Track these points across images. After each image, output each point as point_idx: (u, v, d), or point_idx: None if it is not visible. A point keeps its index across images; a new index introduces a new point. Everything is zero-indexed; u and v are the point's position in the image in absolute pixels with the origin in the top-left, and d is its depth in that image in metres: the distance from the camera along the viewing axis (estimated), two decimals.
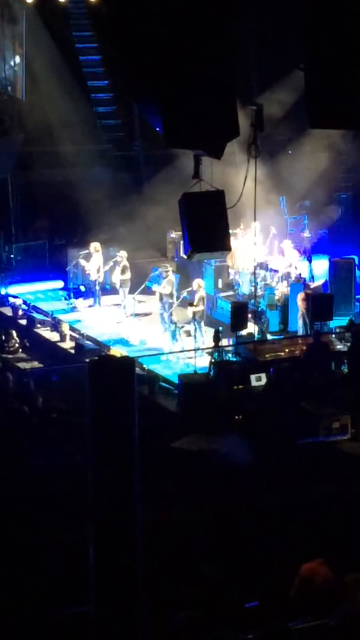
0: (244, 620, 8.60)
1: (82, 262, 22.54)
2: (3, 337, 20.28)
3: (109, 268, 22.27)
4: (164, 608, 8.45)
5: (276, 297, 20.47)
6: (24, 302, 22.68)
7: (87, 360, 7.31)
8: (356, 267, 22.11)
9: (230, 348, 18.48)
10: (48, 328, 21.27)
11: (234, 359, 18.01)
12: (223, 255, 17.83)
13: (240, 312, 18.68)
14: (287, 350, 18.47)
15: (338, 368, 17.34)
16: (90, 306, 22.60)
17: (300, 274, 21.29)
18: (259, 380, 16.49)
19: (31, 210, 25.18)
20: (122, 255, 21.98)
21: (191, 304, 19.52)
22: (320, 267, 22.57)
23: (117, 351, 19.14)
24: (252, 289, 20.12)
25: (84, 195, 24.07)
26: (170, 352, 19.19)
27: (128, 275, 21.85)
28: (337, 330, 19.25)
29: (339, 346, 18.23)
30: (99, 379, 7.21)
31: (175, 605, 8.15)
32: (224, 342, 18.75)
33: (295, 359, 17.53)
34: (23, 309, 22.34)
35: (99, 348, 19.83)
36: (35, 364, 19.43)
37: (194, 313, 19.44)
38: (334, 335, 18.75)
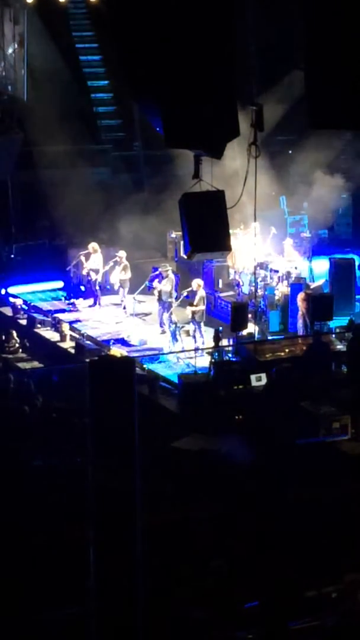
0: (244, 620, 8.60)
1: (82, 259, 22.57)
2: (3, 337, 20.26)
3: (108, 268, 22.27)
4: (164, 608, 8.45)
5: (276, 297, 20.47)
6: (24, 302, 22.68)
7: (87, 360, 7.31)
8: (356, 267, 22.12)
9: (230, 348, 18.47)
10: (48, 328, 21.27)
11: (234, 359, 18.00)
12: (223, 255, 17.81)
13: (240, 312, 18.67)
14: (287, 350, 18.45)
15: (338, 368, 17.33)
16: (90, 306, 22.61)
17: (300, 274, 21.28)
18: (259, 380, 16.48)
19: (31, 210, 25.17)
20: (122, 255, 21.99)
21: (191, 304, 19.52)
22: (320, 267, 22.57)
23: (117, 351, 19.14)
24: (252, 289, 20.11)
25: (84, 195, 24.06)
26: (170, 352, 19.19)
27: (128, 275, 21.87)
28: (337, 330, 19.23)
29: (339, 346, 18.22)
30: (99, 379, 7.22)
31: (176, 605, 8.15)
32: (224, 342, 18.74)
33: (295, 359, 17.51)
34: (23, 309, 22.34)
35: (99, 348, 19.83)
36: (35, 364, 19.41)
37: (194, 313, 19.44)
38: (334, 335, 18.74)
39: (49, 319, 21.51)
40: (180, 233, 17.83)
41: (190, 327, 19.75)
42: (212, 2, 10.18)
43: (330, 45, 9.66)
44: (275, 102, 23.01)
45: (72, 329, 21.08)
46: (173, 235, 23.71)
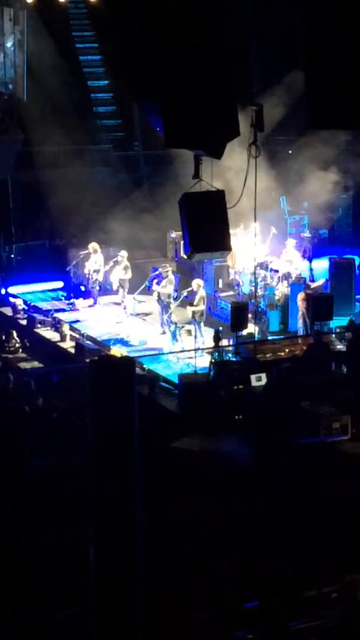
0: (244, 620, 8.60)
1: (83, 259, 22.61)
2: (3, 337, 20.27)
3: (109, 268, 22.27)
4: (164, 608, 8.45)
5: (276, 297, 20.47)
6: (24, 302, 22.68)
7: (87, 360, 7.32)
8: (356, 267, 22.12)
9: (230, 348, 18.46)
10: (48, 328, 21.28)
11: (234, 359, 18.00)
12: (223, 255, 17.82)
13: (240, 312, 18.66)
14: (287, 350, 18.45)
15: (338, 368, 17.33)
16: (90, 306, 22.61)
17: (300, 274, 21.28)
18: (259, 380, 16.47)
19: (31, 210, 25.17)
20: (123, 255, 21.98)
21: (191, 304, 19.51)
22: (320, 267, 22.57)
23: (117, 351, 19.13)
24: (252, 289, 20.11)
25: (84, 195, 24.06)
26: (170, 352, 19.18)
27: (128, 275, 21.87)
28: (337, 330, 19.23)
29: (339, 346, 18.22)
30: (99, 379, 7.22)
31: (176, 605, 8.15)
32: (224, 342, 18.73)
33: (295, 359, 17.51)
34: (23, 309, 22.34)
35: (99, 348, 19.82)
36: (35, 364, 19.42)
37: (194, 313, 19.43)
38: (334, 335, 18.74)
39: (49, 319, 21.52)
40: (180, 233, 17.86)
41: (191, 327, 19.75)
42: (212, 2, 10.19)
43: (330, 45, 9.66)
44: (275, 102, 23.01)
45: (72, 329, 21.09)
46: (173, 235, 23.71)
